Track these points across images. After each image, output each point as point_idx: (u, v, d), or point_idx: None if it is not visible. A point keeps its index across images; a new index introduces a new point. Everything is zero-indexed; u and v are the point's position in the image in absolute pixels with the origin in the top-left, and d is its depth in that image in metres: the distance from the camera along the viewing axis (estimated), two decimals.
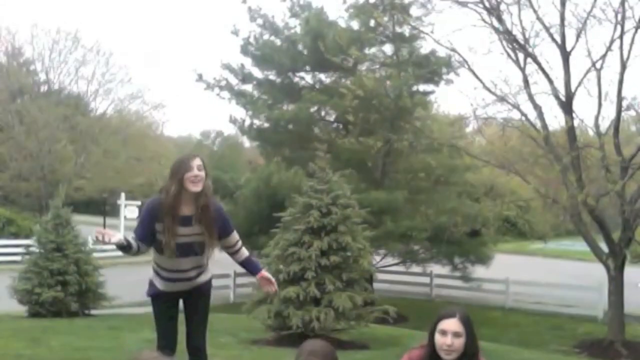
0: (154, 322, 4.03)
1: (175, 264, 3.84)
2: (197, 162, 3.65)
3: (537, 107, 12.35)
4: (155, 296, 3.96)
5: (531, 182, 13.28)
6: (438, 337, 2.99)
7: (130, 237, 3.77)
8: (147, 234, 3.74)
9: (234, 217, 4.17)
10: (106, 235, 3.46)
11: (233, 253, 4.01)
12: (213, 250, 3.90)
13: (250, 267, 4.05)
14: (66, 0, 72.40)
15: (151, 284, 3.95)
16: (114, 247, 3.61)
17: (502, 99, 12.32)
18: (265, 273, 4.02)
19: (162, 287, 3.92)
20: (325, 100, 17.01)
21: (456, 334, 2.96)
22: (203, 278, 4.01)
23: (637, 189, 11.82)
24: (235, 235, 3.98)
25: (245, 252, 4.04)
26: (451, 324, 2.98)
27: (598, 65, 11.81)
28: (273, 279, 4.03)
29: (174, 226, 3.66)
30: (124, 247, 3.66)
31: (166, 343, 3.90)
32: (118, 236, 3.56)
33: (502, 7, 12.12)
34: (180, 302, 4.08)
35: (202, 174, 3.66)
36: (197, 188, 3.62)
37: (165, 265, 3.86)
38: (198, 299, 4.02)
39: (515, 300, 17.78)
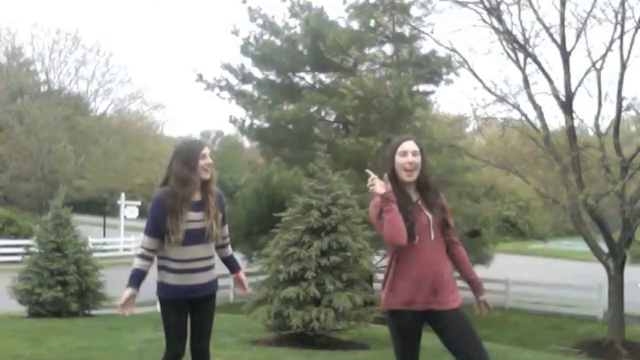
0: (163, 326, 3.91)
1: (192, 253, 3.80)
2: (207, 150, 3.87)
3: (537, 107, 12.33)
4: (167, 301, 3.87)
5: (531, 182, 13.26)
6: (399, 159, 3.38)
7: (138, 256, 3.82)
8: (162, 228, 3.75)
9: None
10: (127, 305, 3.69)
11: (221, 246, 4.09)
12: (218, 237, 3.94)
13: (231, 265, 4.23)
14: (66, 0, 72.53)
15: (162, 284, 3.85)
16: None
17: (502, 99, 12.30)
18: (242, 274, 4.22)
19: (178, 282, 3.81)
20: (325, 100, 17.00)
21: (414, 153, 3.38)
22: (214, 273, 4.00)
23: (637, 189, 11.80)
24: (227, 228, 4.10)
25: (230, 250, 4.21)
26: (410, 145, 3.38)
27: (598, 65, 11.80)
28: (247, 284, 4.25)
29: (185, 211, 3.74)
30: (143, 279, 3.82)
31: (179, 346, 3.85)
32: (130, 291, 3.72)
33: (502, 7, 12.11)
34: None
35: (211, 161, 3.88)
36: (209, 175, 3.83)
37: (181, 257, 3.79)
38: (206, 303, 3.96)
39: (515, 300, 17.77)
